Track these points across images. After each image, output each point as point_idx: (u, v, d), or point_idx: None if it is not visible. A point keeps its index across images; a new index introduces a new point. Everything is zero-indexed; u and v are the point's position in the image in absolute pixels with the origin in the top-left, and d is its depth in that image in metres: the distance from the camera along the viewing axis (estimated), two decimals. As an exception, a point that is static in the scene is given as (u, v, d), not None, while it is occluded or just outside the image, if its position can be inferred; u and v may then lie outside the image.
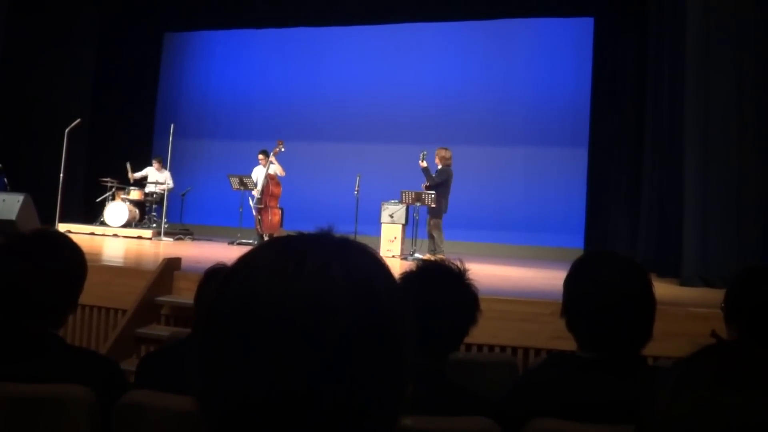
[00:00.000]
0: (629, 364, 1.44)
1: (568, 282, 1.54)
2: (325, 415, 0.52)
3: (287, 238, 0.60)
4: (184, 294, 4.54)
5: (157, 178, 10.46)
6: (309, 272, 0.54)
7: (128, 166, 10.48)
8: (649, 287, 1.49)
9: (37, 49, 10.55)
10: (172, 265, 4.72)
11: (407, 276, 1.61)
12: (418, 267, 1.66)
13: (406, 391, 0.57)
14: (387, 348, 0.55)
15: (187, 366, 0.58)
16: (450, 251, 7.68)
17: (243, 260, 0.59)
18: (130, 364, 3.62)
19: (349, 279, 0.55)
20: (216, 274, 1.95)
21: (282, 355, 0.52)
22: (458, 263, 1.66)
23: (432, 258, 7.05)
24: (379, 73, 11.94)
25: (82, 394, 1.47)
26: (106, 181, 10.26)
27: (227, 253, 7.32)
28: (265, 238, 8.69)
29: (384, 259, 0.61)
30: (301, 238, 0.60)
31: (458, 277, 1.62)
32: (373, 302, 0.55)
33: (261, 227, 9.25)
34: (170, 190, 10.38)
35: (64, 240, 1.64)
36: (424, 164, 8.26)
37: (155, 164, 10.61)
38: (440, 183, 8.14)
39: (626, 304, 1.45)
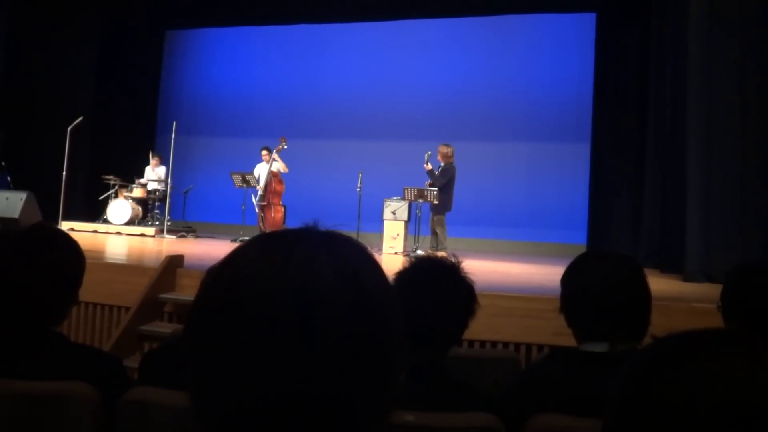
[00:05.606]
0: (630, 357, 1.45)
1: (564, 279, 1.60)
2: (315, 408, 0.52)
3: (274, 233, 0.61)
4: (187, 291, 4.56)
5: (153, 175, 10.46)
6: (296, 265, 0.55)
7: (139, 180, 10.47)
8: (641, 279, 1.53)
9: (39, 47, 10.56)
10: (174, 262, 4.73)
11: (402, 273, 1.61)
12: (411, 264, 1.65)
13: (398, 383, 0.57)
14: (376, 338, 0.55)
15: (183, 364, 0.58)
16: (452, 247, 7.67)
17: (230, 257, 0.59)
18: (133, 361, 3.63)
19: (337, 270, 0.55)
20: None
21: (271, 349, 0.52)
22: (452, 258, 1.67)
23: (429, 254, 7.04)
24: (381, 70, 11.91)
25: (85, 391, 1.47)
26: (109, 179, 10.25)
27: (230, 250, 7.32)
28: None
29: (370, 249, 0.61)
30: (288, 232, 0.60)
31: (452, 270, 1.62)
32: (361, 292, 0.55)
33: (264, 224, 9.25)
34: (167, 186, 10.27)
35: (58, 234, 1.63)
36: (429, 167, 8.25)
37: (152, 161, 10.60)
38: (445, 183, 8.13)
39: (620, 296, 1.49)
